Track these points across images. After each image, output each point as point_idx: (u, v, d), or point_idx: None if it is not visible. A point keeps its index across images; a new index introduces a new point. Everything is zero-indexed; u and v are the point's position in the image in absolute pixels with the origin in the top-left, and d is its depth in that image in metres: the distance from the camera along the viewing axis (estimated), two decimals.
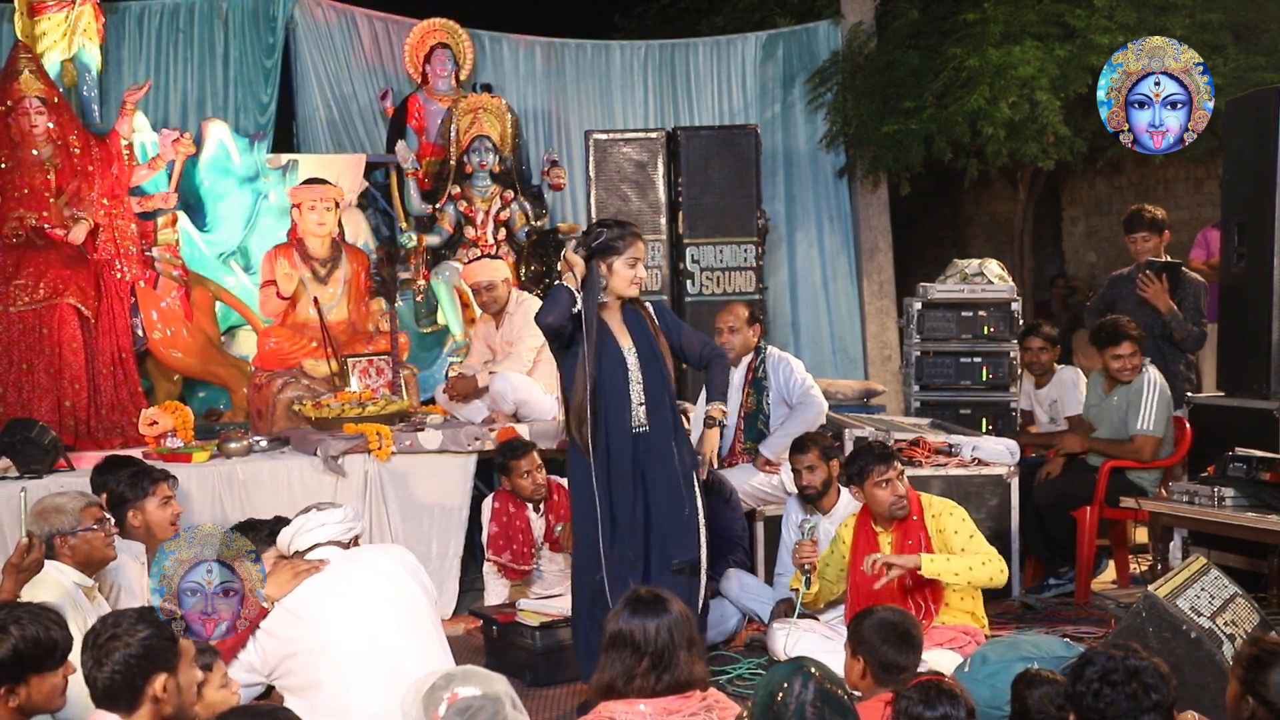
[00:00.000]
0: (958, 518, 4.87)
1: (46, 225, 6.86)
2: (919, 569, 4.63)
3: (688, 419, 5.80)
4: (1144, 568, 6.43)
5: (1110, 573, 6.48)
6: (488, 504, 5.97)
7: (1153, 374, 6.14)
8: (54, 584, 3.94)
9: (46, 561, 4.00)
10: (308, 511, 4.02)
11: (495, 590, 5.89)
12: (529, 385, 6.52)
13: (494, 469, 6.09)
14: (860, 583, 4.81)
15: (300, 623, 3.75)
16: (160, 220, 7.34)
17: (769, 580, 5.73)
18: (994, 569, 4.71)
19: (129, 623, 2.93)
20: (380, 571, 3.94)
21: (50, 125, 6.95)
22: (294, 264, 6.95)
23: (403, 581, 3.95)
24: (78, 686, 3.13)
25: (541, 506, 5.90)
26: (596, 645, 3.39)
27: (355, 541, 4.06)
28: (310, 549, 3.93)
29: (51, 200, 6.91)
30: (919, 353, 7.31)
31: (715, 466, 5.27)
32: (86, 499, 4.23)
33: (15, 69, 6.94)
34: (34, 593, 3.82)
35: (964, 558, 4.70)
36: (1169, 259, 6.76)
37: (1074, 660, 3.15)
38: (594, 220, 7.73)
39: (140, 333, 7.17)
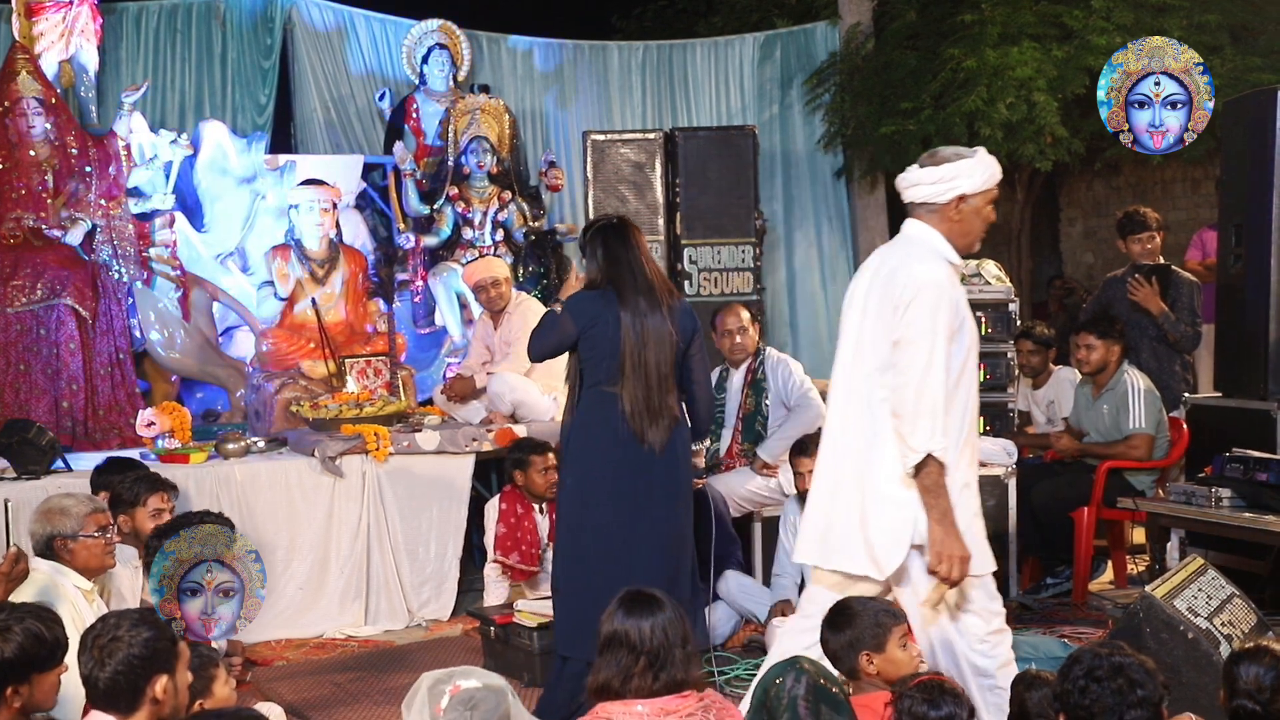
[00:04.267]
0: None
1: (44, 226, 6.87)
2: None
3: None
4: (1141, 568, 6.44)
5: (1108, 573, 6.49)
6: (493, 506, 5.95)
7: (1133, 375, 6.17)
8: (53, 585, 3.94)
9: (46, 562, 4.01)
10: None
11: (496, 592, 5.89)
12: (526, 386, 6.52)
13: (508, 464, 6.02)
14: None
15: None
16: (158, 221, 7.34)
17: (766, 582, 5.73)
18: None
19: (130, 623, 2.93)
20: None
21: (48, 126, 6.95)
22: (291, 265, 6.96)
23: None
24: (69, 687, 3.13)
25: (544, 506, 5.90)
26: None
27: None
28: None
29: (49, 201, 6.92)
30: None
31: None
32: (93, 504, 4.21)
33: (13, 70, 6.95)
34: (32, 593, 3.82)
35: None
36: (1160, 260, 6.77)
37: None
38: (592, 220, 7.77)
39: (138, 333, 7.17)
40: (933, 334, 3.55)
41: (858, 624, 3.59)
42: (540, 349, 4.64)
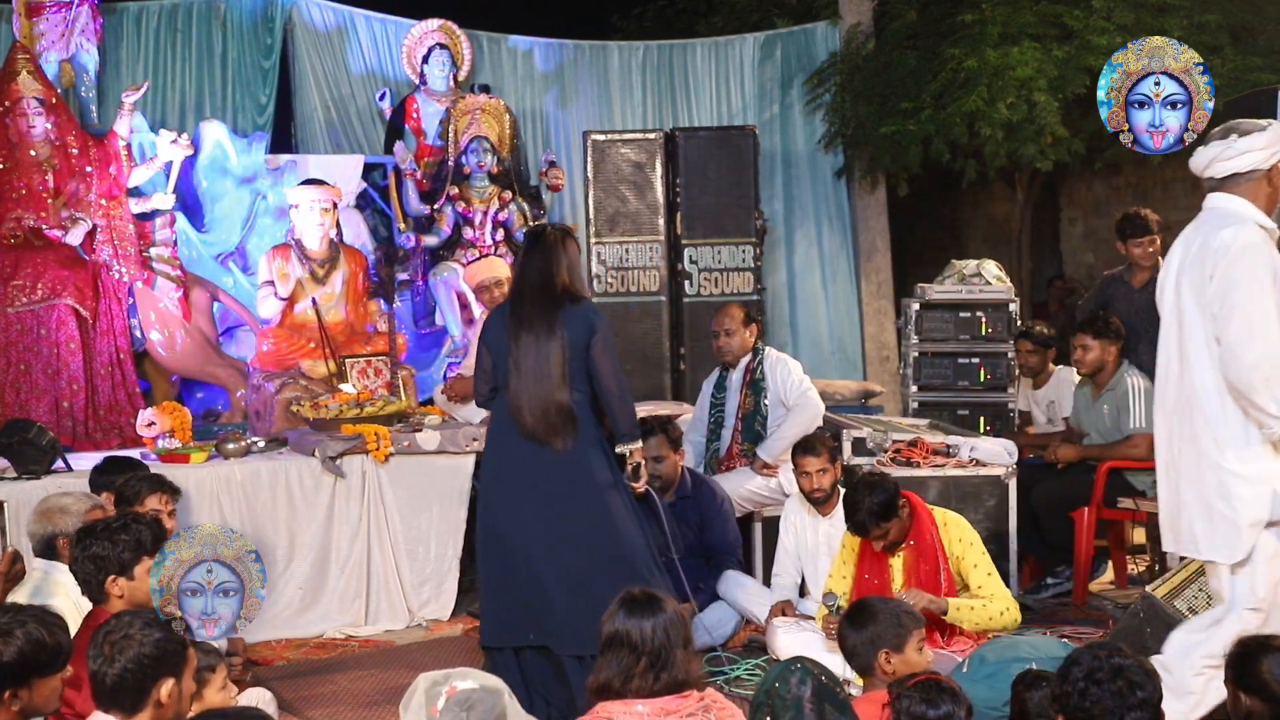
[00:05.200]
0: (976, 550, 4.87)
1: (44, 226, 6.87)
2: (944, 614, 4.64)
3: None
4: (1142, 568, 6.44)
5: (1108, 573, 6.49)
6: None
7: (1134, 376, 6.15)
8: (50, 584, 3.94)
9: (48, 562, 4.01)
10: None
11: None
12: None
13: None
14: (865, 589, 4.81)
15: None
16: (158, 221, 7.35)
17: (766, 582, 5.73)
18: (1010, 619, 4.75)
19: (143, 623, 2.94)
20: None
21: (48, 126, 6.96)
22: (292, 265, 6.96)
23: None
24: None
25: None
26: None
27: None
28: None
29: (49, 201, 6.92)
30: (917, 353, 7.32)
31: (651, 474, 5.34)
32: (92, 502, 4.21)
33: (13, 70, 6.95)
34: (28, 592, 3.82)
35: (986, 608, 4.72)
36: (1160, 261, 6.74)
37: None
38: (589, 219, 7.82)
39: (138, 333, 7.18)
40: (1252, 298, 3.46)
41: (879, 622, 3.64)
42: (480, 389, 4.77)
